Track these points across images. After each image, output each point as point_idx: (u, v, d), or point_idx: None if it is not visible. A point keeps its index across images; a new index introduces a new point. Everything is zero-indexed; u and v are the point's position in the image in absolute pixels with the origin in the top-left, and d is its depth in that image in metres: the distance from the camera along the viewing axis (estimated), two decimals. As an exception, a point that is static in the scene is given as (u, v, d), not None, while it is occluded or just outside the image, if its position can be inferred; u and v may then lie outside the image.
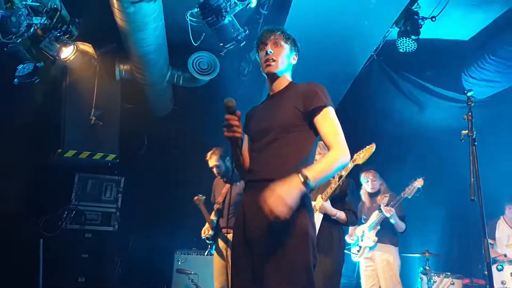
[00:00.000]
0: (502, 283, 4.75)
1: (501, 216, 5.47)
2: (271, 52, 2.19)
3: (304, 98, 2.10)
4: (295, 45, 2.29)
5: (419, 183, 4.49)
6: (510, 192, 5.50)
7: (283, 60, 2.21)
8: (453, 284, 4.84)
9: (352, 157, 3.36)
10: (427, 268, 4.77)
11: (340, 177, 3.47)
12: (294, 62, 2.29)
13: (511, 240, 5.35)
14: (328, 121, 2.08)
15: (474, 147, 2.94)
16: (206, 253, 4.70)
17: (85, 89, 5.10)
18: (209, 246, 4.56)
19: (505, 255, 5.09)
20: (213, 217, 4.50)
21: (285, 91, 2.23)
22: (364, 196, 4.93)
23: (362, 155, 3.42)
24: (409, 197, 4.52)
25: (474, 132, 2.97)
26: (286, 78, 2.28)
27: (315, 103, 2.08)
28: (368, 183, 4.80)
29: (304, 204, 1.98)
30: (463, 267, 5.58)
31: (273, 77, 2.25)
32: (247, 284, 2.00)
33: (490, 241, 3.95)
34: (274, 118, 2.14)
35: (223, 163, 4.49)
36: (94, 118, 5.01)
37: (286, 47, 2.23)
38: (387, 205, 4.59)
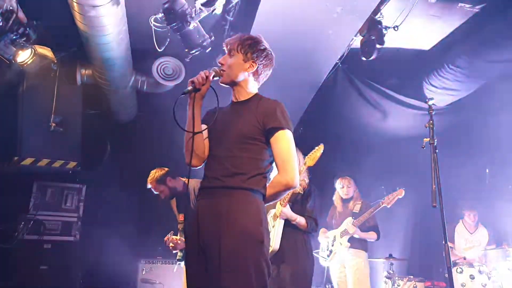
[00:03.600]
0: (462, 285, 4.91)
1: (460, 220, 5.66)
2: (220, 63, 2.22)
3: (264, 116, 2.09)
4: (254, 51, 2.18)
5: (400, 193, 4.60)
6: (468, 198, 5.68)
7: (232, 69, 2.18)
8: (416, 287, 4.95)
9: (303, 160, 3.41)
10: (391, 272, 4.86)
11: None
12: (252, 69, 2.18)
13: (468, 244, 5.54)
14: (281, 144, 2.08)
15: (435, 154, 3.00)
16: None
17: (44, 94, 4.94)
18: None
19: (464, 258, 5.27)
20: None
21: (249, 102, 2.20)
22: (336, 201, 5.01)
23: (312, 157, 3.44)
24: (388, 207, 4.61)
25: (436, 140, 3.03)
26: (247, 87, 2.22)
27: (272, 123, 2.08)
28: (343, 189, 4.91)
29: (259, 212, 2.01)
30: (425, 270, 5.73)
31: (229, 86, 2.25)
32: None
33: (450, 244, 4.09)
34: (234, 128, 2.12)
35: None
36: (54, 124, 4.85)
37: (239, 56, 2.18)
38: (360, 211, 4.69)
